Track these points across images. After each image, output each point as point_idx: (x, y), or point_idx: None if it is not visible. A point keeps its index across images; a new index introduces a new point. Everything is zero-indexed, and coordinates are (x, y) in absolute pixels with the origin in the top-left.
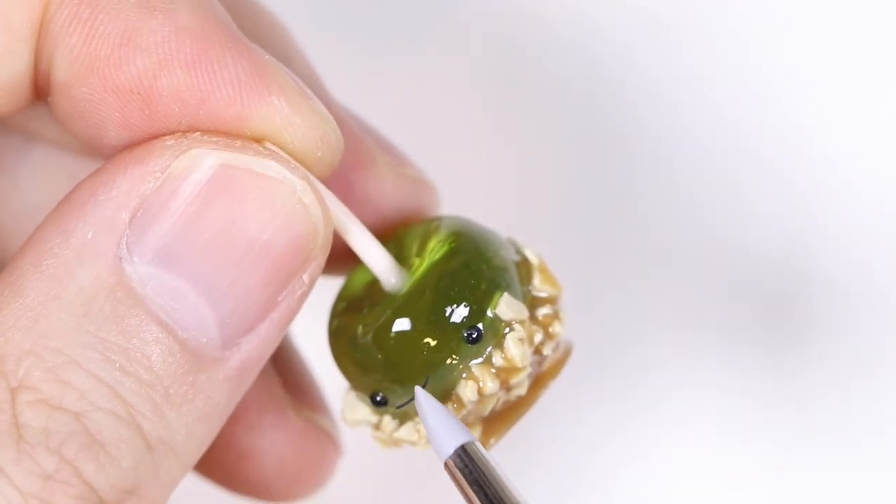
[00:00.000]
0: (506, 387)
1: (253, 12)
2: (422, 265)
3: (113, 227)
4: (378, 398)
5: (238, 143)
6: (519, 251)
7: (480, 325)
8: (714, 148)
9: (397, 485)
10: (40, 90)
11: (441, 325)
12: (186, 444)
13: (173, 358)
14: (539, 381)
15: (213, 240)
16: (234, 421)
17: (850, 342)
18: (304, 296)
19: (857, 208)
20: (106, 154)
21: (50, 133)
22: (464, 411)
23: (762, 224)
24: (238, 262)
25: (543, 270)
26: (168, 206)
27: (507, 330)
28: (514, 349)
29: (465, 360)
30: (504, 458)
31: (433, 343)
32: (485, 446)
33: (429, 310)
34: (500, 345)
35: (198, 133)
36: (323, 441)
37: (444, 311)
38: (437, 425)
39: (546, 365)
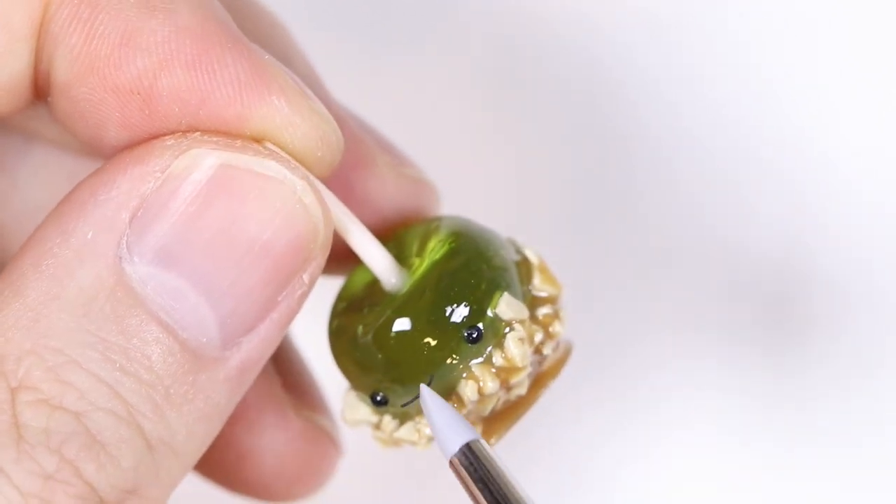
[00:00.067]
0: (506, 386)
1: (253, 12)
2: (422, 265)
3: (113, 227)
4: (378, 398)
5: (238, 143)
6: (519, 251)
7: (480, 325)
8: (714, 148)
9: (397, 485)
10: (40, 90)
11: (441, 325)
12: (187, 444)
13: (173, 358)
14: (539, 381)
15: (213, 240)
16: (234, 421)
17: (850, 342)
18: (305, 296)
19: (857, 208)
20: (106, 154)
21: (50, 133)
22: (464, 411)
23: (762, 224)
24: (238, 261)
25: (543, 270)
26: (168, 205)
27: (507, 330)
28: (515, 349)
29: (466, 359)
30: (504, 457)
31: (433, 343)
32: None
33: (429, 310)
34: (500, 344)
35: (198, 133)
36: (323, 441)
37: (445, 311)
38: (443, 423)
39: (546, 365)
